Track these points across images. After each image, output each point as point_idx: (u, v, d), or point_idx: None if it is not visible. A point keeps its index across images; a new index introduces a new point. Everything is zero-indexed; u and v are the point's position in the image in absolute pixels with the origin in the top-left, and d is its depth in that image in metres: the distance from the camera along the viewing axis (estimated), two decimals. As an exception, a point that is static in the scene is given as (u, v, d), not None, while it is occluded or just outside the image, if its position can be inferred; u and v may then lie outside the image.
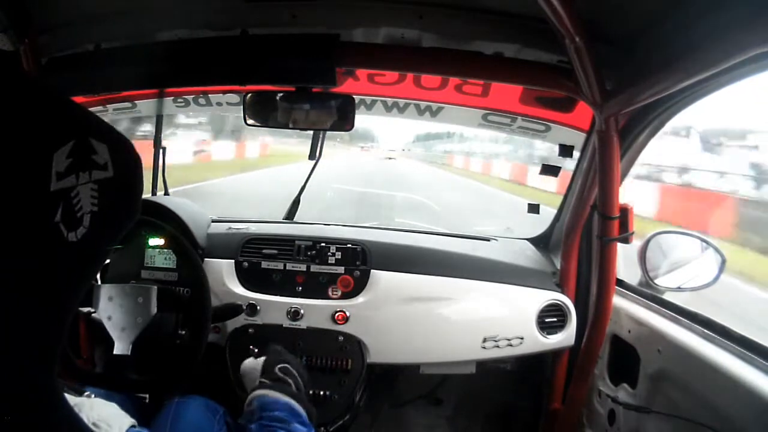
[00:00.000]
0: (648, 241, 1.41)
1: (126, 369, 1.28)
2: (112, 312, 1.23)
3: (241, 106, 1.30)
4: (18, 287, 0.41)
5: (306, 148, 1.80)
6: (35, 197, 0.41)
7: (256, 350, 1.09)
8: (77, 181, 0.43)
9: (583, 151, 1.51)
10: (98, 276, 1.42)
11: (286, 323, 1.53)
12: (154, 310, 1.24)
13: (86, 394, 0.74)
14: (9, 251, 0.40)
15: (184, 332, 1.32)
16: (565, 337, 1.54)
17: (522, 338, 1.53)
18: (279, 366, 1.03)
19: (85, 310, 1.29)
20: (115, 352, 1.20)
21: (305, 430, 0.91)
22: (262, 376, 1.01)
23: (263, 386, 0.97)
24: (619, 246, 1.33)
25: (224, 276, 1.56)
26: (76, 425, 0.49)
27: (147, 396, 1.28)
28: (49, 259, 0.43)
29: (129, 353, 1.20)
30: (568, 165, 1.60)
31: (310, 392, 1.52)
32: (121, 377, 1.28)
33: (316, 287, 1.56)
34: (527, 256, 1.75)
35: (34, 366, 0.45)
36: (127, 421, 0.72)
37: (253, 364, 1.10)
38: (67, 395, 0.54)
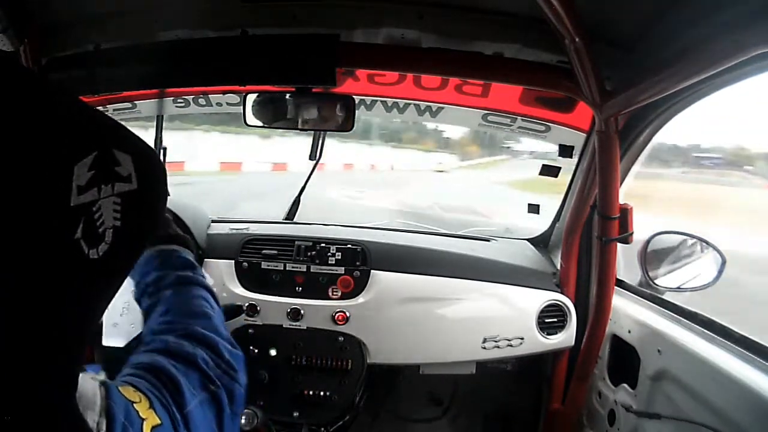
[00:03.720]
0: (648, 241, 1.41)
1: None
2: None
3: (241, 106, 1.30)
4: (36, 306, 0.38)
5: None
6: (54, 213, 0.37)
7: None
8: (99, 194, 0.40)
9: (583, 151, 1.52)
10: None
11: (286, 324, 1.53)
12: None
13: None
14: (26, 270, 0.37)
15: None
16: (565, 337, 1.54)
17: (522, 338, 1.53)
18: None
19: None
20: (105, 344, 1.19)
21: (178, 272, 0.80)
22: None
23: None
24: (619, 246, 1.33)
25: (224, 276, 1.56)
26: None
27: None
28: (69, 277, 0.40)
29: (122, 346, 1.19)
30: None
31: (310, 392, 1.52)
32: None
33: (316, 288, 1.55)
34: (527, 256, 1.75)
35: (50, 383, 0.42)
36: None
37: None
38: None
